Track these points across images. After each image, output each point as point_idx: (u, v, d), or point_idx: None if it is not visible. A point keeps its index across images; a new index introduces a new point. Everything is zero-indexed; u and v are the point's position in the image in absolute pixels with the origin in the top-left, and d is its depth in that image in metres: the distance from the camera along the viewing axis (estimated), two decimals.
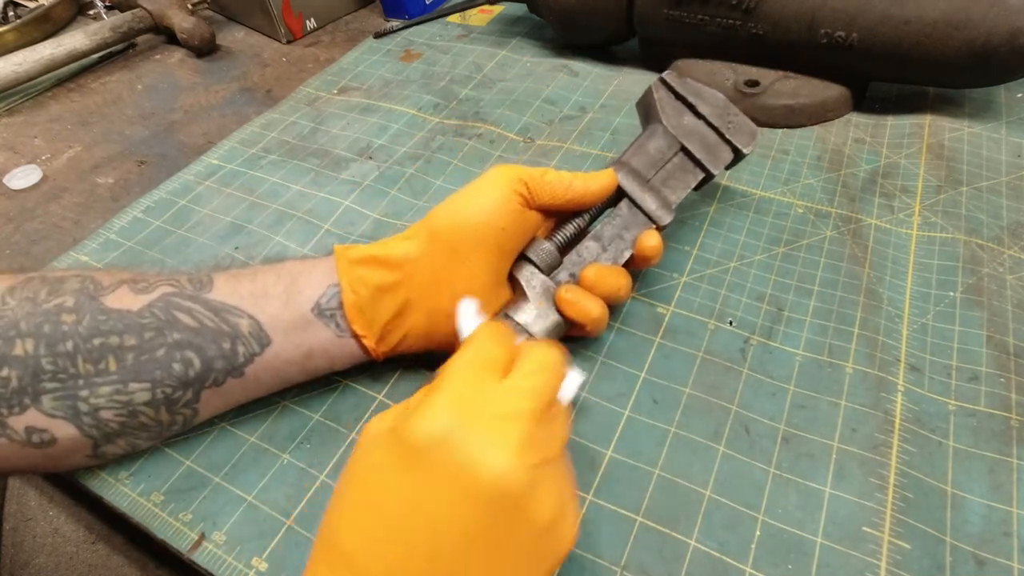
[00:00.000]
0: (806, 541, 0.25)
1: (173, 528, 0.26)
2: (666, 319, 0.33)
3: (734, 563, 0.24)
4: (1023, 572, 0.24)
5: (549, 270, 0.29)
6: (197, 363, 0.25)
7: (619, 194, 0.32)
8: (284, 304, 0.27)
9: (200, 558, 0.25)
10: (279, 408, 0.30)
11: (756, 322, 0.32)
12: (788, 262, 0.35)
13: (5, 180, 0.48)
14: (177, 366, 0.25)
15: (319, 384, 0.31)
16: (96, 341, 0.24)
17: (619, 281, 0.29)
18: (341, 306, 0.27)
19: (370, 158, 0.45)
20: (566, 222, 0.31)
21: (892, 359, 0.30)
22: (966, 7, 0.37)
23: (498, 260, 0.28)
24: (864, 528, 0.25)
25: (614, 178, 0.31)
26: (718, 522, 0.25)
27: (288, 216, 0.40)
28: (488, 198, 0.28)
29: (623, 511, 0.26)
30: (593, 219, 0.31)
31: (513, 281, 0.30)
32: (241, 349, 0.26)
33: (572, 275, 0.30)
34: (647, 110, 0.36)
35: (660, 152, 0.33)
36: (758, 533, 0.25)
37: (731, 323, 0.33)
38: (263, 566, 0.25)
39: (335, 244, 0.29)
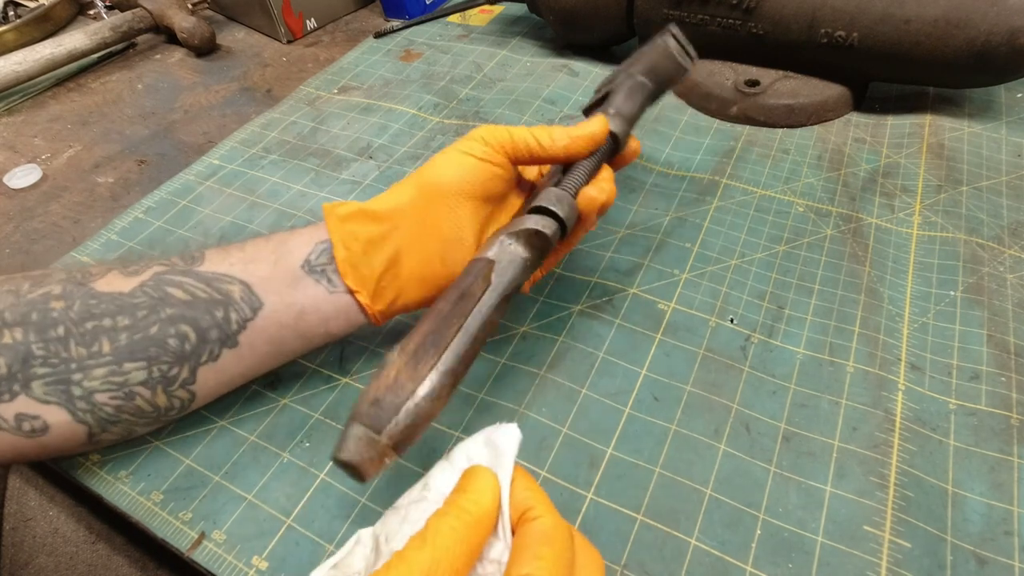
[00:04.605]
0: (807, 540, 0.25)
1: (173, 527, 0.26)
2: (667, 316, 0.33)
3: (735, 562, 0.24)
4: None
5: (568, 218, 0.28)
6: (192, 336, 0.25)
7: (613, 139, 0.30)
8: (273, 264, 0.27)
9: (200, 557, 0.25)
10: (279, 406, 0.30)
11: (757, 320, 0.32)
12: (789, 260, 0.35)
13: (5, 179, 0.48)
14: (172, 341, 0.25)
15: (319, 382, 0.31)
16: (89, 325, 0.24)
17: (606, 192, 0.28)
18: (331, 261, 0.27)
19: (370, 158, 0.45)
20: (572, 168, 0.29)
21: (893, 358, 0.30)
22: (966, 7, 0.37)
23: (484, 204, 0.28)
24: (865, 527, 0.25)
25: (605, 123, 0.29)
26: (719, 521, 0.25)
27: (288, 216, 0.40)
28: (474, 154, 0.27)
29: (624, 509, 0.26)
30: (599, 164, 0.30)
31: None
32: (234, 316, 0.26)
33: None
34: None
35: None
36: (759, 532, 0.25)
37: (732, 321, 0.32)
38: (263, 565, 0.25)
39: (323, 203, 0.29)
